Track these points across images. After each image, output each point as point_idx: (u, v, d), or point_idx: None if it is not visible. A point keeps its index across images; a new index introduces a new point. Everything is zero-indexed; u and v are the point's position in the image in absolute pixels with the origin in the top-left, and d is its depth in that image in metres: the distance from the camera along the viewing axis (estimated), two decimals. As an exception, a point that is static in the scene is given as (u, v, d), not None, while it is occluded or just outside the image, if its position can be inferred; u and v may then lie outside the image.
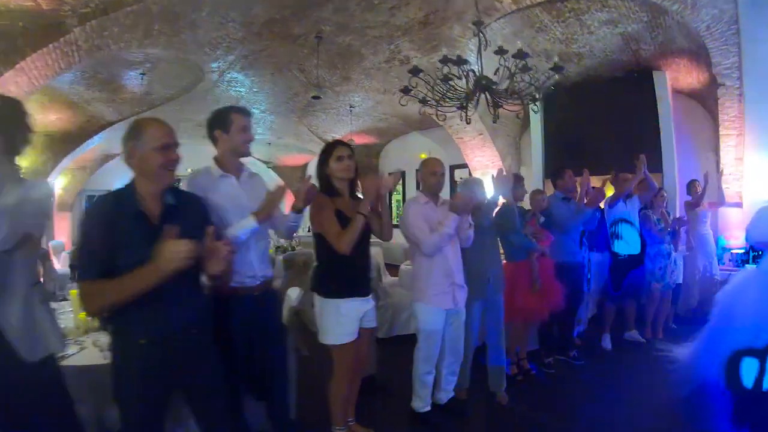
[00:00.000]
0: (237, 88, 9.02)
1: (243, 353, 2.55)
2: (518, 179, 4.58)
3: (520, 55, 4.50)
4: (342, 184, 2.99)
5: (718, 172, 6.82)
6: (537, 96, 5.04)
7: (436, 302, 3.44)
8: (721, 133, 6.87)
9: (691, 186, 6.58)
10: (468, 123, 5.57)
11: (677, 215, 6.48)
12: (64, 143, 9.88)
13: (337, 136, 11.31)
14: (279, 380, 2.77)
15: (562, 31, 6.90)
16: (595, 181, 6.25)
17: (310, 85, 8.48)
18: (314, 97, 8.02)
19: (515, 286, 4.28)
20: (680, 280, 5.99)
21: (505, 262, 4.50)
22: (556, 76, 4.70)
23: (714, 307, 4.06)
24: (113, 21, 5.40)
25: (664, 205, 5.80)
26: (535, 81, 4.86)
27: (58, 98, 8.34)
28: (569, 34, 6.96)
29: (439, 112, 5.08)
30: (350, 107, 10.32)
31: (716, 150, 7.13)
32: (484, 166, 9.88)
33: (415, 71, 4.67)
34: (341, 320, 2.91)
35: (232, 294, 2.50)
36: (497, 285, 3.95)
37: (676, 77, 7.82)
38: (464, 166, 10.76)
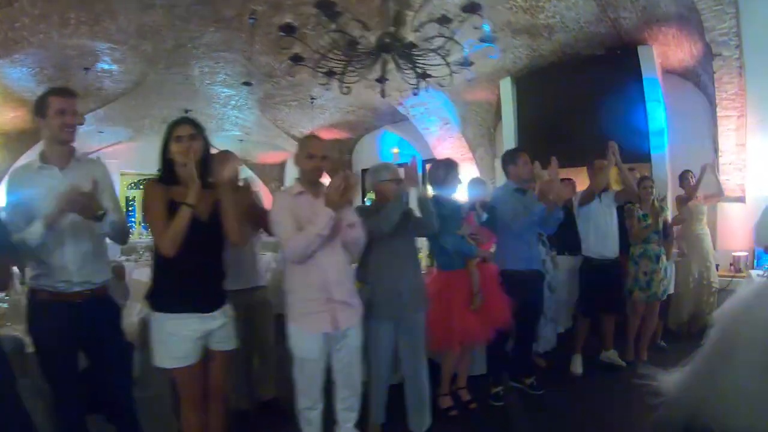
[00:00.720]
0: (189, 81, 8.49)
1: (67, 367, 2.53)
2: (449, 166, 3.87)
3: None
4: (184, 171, 2.43)
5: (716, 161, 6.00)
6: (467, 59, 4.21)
7: (308, 324, 2.78)
8: (718, 114, 5.96)
9: (683, 177, 5.73)
10: (383, 96, 4.94)
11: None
12: (19, 142, 9.64)
13: (306, 131, 10.91)
14: (123, 403, 2.73)
15: (525, -2, 6.01)
16: (575, 174, 5.81)
17: (261, 75, 7.95)
18: (245, 83, 7.28)
19: (450, 301, 3.68)
20: (672, 290, 5.26)
21: (436, 271, 4.00)
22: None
23: (711, 327, 3.47)
24: (20, 11, 5.25)
25: (656, 197, 4.97)
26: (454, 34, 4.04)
27: (10, 96, 8.07)
28: (534, 1, 6.02)
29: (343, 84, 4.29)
30: (311, 99, 9.52)
31: (714, 136, 6.22)
32: (454, 158, 8.87)
33: (289, 29, 3.90)
34: (166, 340, 2.45)
35: (48, 300, 2.47)
36: (415, 301, 3.33)
37: (665, 53, 6.87)
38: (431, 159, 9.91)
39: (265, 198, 2.82)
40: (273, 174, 14.96)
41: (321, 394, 2.85)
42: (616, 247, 4.64)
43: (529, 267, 4.00)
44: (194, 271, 2.46)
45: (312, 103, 9.68)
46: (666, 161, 6.57)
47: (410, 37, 4.28)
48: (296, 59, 4.22)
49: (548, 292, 4.65)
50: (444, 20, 3.82)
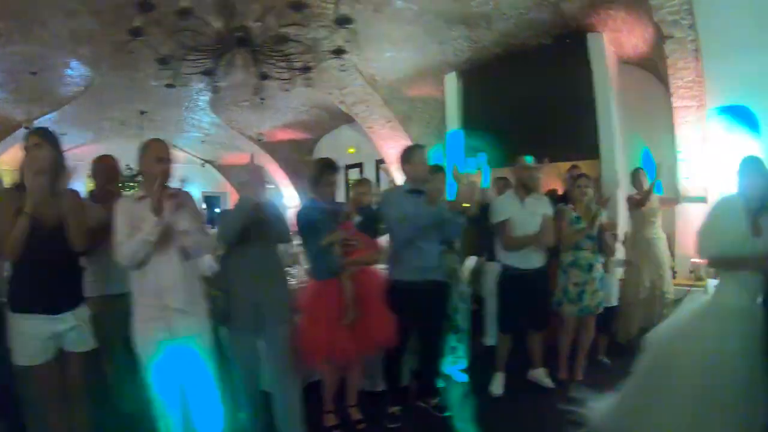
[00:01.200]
0: (137, 84, 8.35)
1: None
2: (324, 166, 3.65)
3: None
4: (28, 180, 2.55)
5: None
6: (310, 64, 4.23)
7: (145, 331, 2.78)
8: (675, 104, 5.44)
9: (634, 176, 5.22)
10: (216, 93, 5.00)
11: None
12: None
13: (262, 131, 11.21)
14: None
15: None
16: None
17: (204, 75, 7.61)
18: (168, 86, 6.84)
19: (319, 314, 3.45)
20: (613, 302, 4.72)
21: (310, 281, 3.79)
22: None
23: (643, 352, 3.12)
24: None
25: (593, 198, 4.48)
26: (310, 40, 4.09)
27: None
28: None
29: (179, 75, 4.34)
30: (260, 99, 9.04)
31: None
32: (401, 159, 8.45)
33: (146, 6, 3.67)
34: (17, 338, 2.62)
35: None
36: (275, 313, 3.19)
37: (618, 40, 6.33)
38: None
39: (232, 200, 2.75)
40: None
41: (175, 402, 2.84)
42: (539, 257, 4.16)
43: (423, 277, 3.61)
44: (41, 274, 2.59)
45: (261, 102, 9.29)
46: (615, 158, 6.05)
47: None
48: (162, 62, 4.25)
49: (462, 304, 4.35)
50: (297, 6, 3.67)
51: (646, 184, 5.03)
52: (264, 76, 4.55)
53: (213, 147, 13.32)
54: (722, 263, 2.94)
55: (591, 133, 6.11)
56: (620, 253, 5.10)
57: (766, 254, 2.66)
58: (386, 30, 6.40)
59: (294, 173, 12.39)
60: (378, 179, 10.61)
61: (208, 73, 4.64)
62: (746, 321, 2.67)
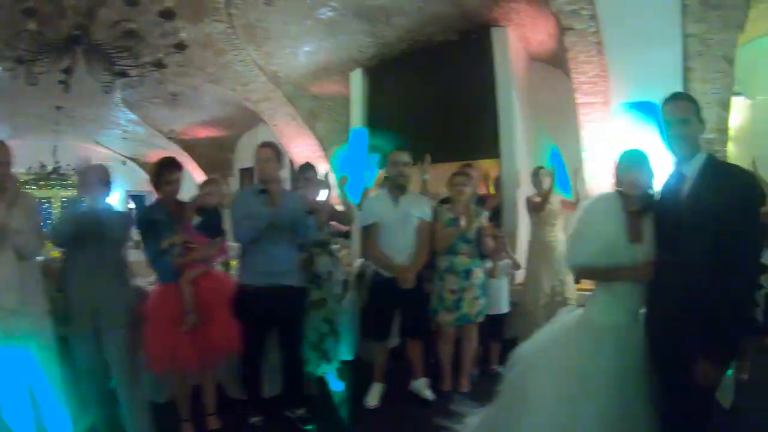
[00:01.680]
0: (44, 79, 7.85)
1: None
2: (166, 167, 3.57)
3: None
4: None
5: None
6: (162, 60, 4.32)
7: None
8: (579, 101, 5.12)
9: (535, 176, 5.01)
10: (66, 92, 4.91)
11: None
12: None
13: (177, 128, 10.89)
14: None
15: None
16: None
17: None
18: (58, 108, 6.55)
19: (158, 320, 3.38)
20: (503, 309, 4.64)
21: (156, 285, 3.72)
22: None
23: (510, 368, 2.93)
24: None
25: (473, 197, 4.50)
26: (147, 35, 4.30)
27: None
28: None
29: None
30: (172, 96, 8.88)
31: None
32: (307, 157, 8.38)
33: None
34: None
35: None
36: (112, 318, 3.22)
37: (524, 35, 6.08)
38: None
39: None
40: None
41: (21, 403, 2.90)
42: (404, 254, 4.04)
43: (271, 282, 3.53)
44: None
45: (174, 99, 9.03)
46: (516, 156, 5.85)
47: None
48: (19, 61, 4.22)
49: (339, 308, 4.27)
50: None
51: (548, 184, 4.83)
52: (121, 74, 4.31)
53: (134, 144, 12.94)
54: (593, 274, 2.61)
55: (493, 132, 5.92)
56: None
57: (646, 263, 2.34)
58: (282, 24, 6.12)
59: (213, 172, 12.01)
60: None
61: (66, 71, 4.49)
62: (619, 340, 2.38)
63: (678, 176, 2.28)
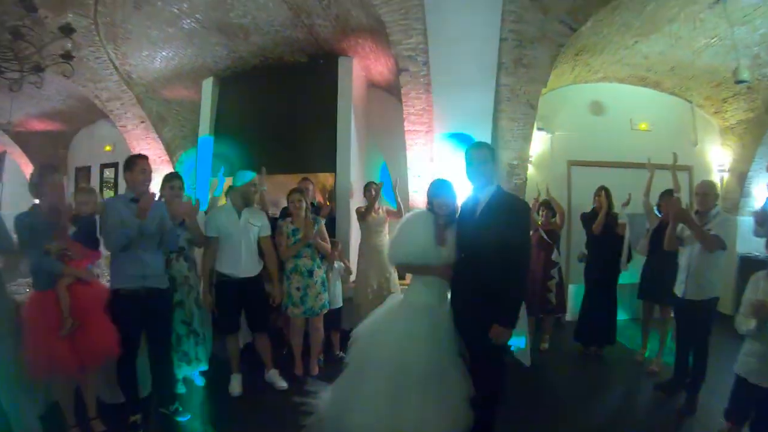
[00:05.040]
0: None
1: None
2: (47, 171, 3.63)
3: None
4: None
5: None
6: (41, 62, 4.23)
7: None
8: (407, 128, 6.01)
9: (366, 189, 5.72)
10: None
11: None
12: None
13: (12, 119, 9.81)
14: None
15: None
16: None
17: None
18: None
19: (36, 326, 3.36)
20: (339, 304, 5.43)
21: (32, 292, 3.65)
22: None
23: (352, 346, 3.58)
24: None
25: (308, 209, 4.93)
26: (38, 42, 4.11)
27: None
28: None
29: None
30: (10, 82, 8.08)
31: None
32: (152, 161, 8.02)
33: None
34: None
35: None
36: None
37: (368, 66, 6.95)
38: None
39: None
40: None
41: None
42: (253, 266, 4.50)
43: (143, 285, 3.69)
44: None
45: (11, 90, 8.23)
46: (350, 172, 6.64)
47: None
48: None
49: (197, 309, 4.44)
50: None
51: (373, 197, 5.52)
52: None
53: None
54: (409, 269, 3.47)
55: (332, 148, 6.63)
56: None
57: (449, 262, 3.22)
58: (145, 28, 6.27)
59: (47, 168, 10.95)
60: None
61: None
62: (433, 316, 3.20)
63: (474, 199, 3.23)
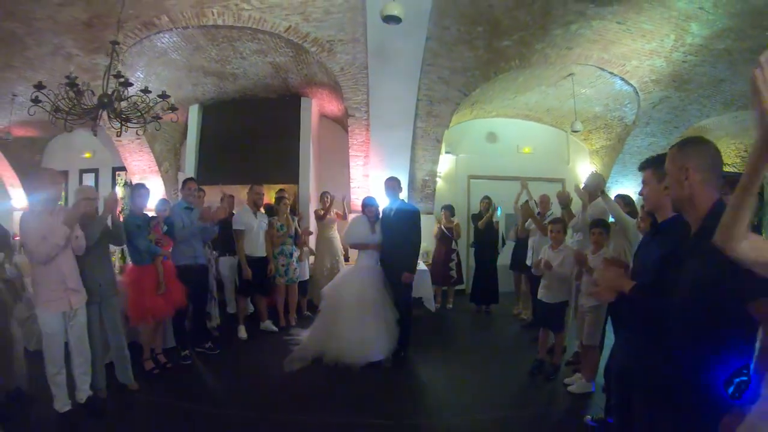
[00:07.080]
0: None
1: None
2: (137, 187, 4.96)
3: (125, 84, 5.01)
4: None
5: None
6: (146, 118, 5.33)
7: (53, 306, 3.57)
8: (351, 153, 8.11)
9: (321, 197, 7.59)
10: (95, 135, 5.76)
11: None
12: None
13: (3, 128, 10.23)
14: None
15: (217, 53, 7.37)
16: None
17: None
18: None
19: (142, 288, 4.61)
20: (306, 276, 7.21)
21: (131, 266, 4.87)
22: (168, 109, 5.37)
23: (323, 298, 5.51)
24: None
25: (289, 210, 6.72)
26: (144, 106, 5.27)
27: None
28: (224, 56, 7.47)
29: (67, 124, 5.11)
30: (13, 95, 9.12)
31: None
32: (142, 170, 9.73)
33: (39, 86, 4.74)
34: None
35: None
36: (109, 288, 4.15)
37: (323, 105, 8.99)
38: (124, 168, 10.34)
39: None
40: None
41: (63, 362, 3.62)
42: (262, 248, 6.23)
43: (196, 262, 5.28)
44: None
45: (13, 99, 9.17)
46: (310, 183, 8.60)
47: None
48: (36, 101, 4.83)
49: (213, 280, 6.13)
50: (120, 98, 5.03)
51: (327, 203, 7.44)
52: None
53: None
54: (357, 247, 5.60)
55: (295, 165, 8.52)
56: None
57: (378, 243, 5.37)
58: (158, 70, 7.73)
59: (23, 174, 11.59)
60: (113, 186, 11.23)
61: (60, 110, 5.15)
62: (372, 272, 5.32)
63: (389, 208, 5.48)
